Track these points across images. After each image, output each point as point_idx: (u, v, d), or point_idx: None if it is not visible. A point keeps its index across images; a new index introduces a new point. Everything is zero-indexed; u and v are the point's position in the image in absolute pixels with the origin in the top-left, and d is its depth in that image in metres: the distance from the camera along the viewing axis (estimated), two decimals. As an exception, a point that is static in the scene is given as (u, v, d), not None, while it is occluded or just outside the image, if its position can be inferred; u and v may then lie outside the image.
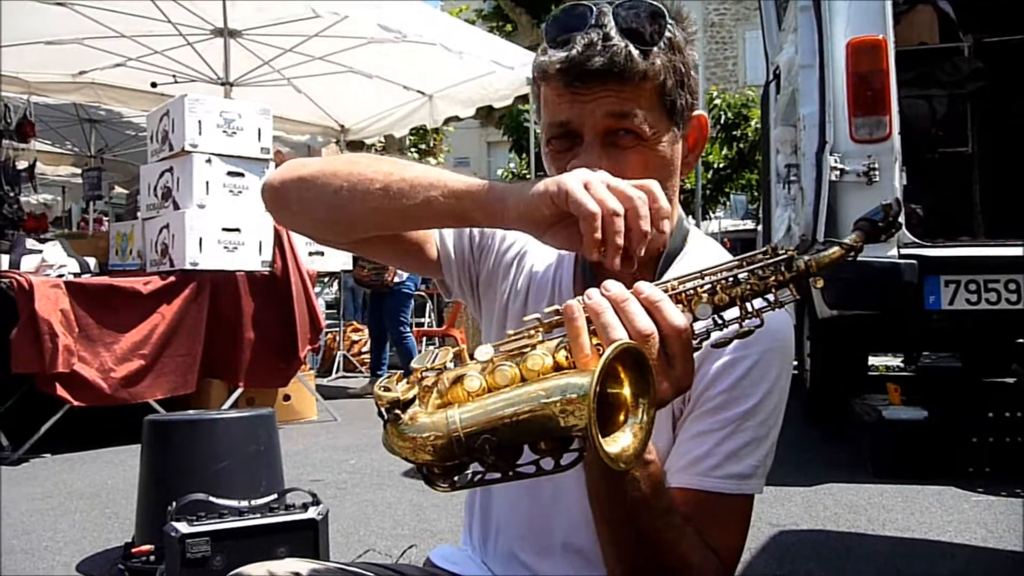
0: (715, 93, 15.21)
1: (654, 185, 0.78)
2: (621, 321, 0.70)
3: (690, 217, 13.41)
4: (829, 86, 3.30)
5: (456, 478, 0.71)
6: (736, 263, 0.77)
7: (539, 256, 1.06)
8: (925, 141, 3.82)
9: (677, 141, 0.94)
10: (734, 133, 14.78)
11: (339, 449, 4.27)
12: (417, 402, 0.71)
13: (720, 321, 0.76)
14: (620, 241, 0.74)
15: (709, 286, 0.75)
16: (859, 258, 2.82)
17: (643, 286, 0.73)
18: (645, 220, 0.75)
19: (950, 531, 2.67)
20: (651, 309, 0.71)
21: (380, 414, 0.71)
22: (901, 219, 0.81)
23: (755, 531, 2.61)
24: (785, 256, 0.76)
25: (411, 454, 0.70)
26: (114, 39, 5.86)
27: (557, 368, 0.70)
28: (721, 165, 14.85)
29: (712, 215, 15.86)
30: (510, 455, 0.68)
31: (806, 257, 0.77)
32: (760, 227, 5.04)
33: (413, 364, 0.74)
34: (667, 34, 0.90)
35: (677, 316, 0.72)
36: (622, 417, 0.68)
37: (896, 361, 7.13)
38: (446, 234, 1.09)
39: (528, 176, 7.69)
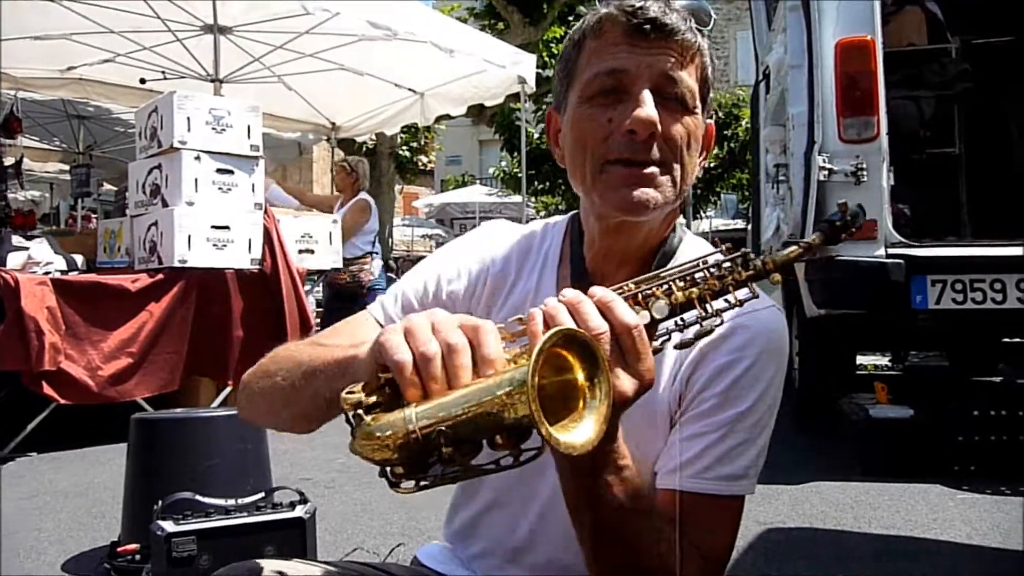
0: (707, 92, 15.24)
1: (486, 329, 0.71)
2: (575, 321, 0.71)
3: (680, 217, 13.45)
4: (818, 86, 3.33)
5: (418, 478, 0.71)
6: (693, 264, 0.78)
7: (516, 280, 1.05)
8: (913, 141, 3.84)
9: (702, 128, 0.95)
10: (725, 133, 14.83)
11: (328, 447, 4.26)
12: (380, 406, 0.71)
13: (681, 323, 0.77)
14: (435, 385, 0.69)
15: (666, 286, 0.76)
16: (847, 257, 2.88)
17: (596, 289, 0.73)
18: (464, 369, 0.69)
19: (935, 529, 2.69)
20: (603, 309, 0.72)
21: (346, 418, 0.72)
22: (877, 220, 0.85)
23: (743, 529, 2.61)
24: (740, 254, 0.78)
25: (373, 453, 0.70)
26: (103, 35, 5.82)
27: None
28: (712, 164, 14.90)
29: (703, 214, 15.91)
30: (468, 450, 0.68)
31: (764, 256, 0.78)
32: (750, 226, 5.06)
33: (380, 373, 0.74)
34: (711, 26, 0.94)
35: (628, 314, 0.72)
36: (580, 405, 0.68)
37: (884, 360, 7.18)
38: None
39: (519, 175, 7.67)
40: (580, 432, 0.66)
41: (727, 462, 0.90)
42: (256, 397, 0.98)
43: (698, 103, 0.92)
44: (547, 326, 0.70)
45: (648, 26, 0.87)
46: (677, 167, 0.91)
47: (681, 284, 0.76)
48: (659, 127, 0.88)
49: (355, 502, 3.15)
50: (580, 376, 0.69)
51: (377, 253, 6.25)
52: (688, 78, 0.90)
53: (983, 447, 3.31)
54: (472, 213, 18.82)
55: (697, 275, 0.77)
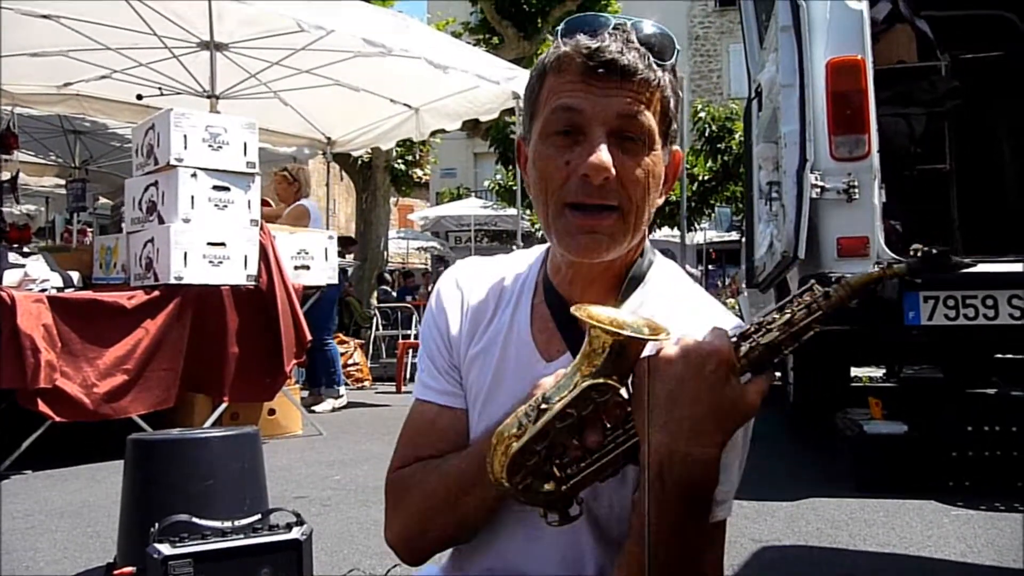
0: (699, 106, 15.33)
1: None
2: None
3: (675, 228, 13.45)
4: (809, 105, 3.36)
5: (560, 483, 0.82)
6: (782, 305, 0.86)
7: (491, 314, 1.06)
8: (904, 158, 3.88)
9: (664, 163, 0.95)
10: (718, 146, 14.90)
11: (324, 464, 4.26)
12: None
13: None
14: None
15: (769, 343, 0.84)
16: (838, 275, 2.89)
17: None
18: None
19: (930, 546, 2.70)
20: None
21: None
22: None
23: (738, 547, 2.63)
24: (823, 292, 0.85)
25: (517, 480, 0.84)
26: (100, 51, 5.85)
27: None
28: (706, 177, 14.96)
29: (697, 227, 15.96)
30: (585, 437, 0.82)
31: (840, 286, 0.85)
32: (744, 241, 5.09)
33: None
34: (673, 59, 0.93)
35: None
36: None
37: (879, 372, 7.20)
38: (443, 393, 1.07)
39: (514, 187, 7.70)
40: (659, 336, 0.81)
41: None
42: (432, 546, 1.04)
43: (658, 139, 0.92)
44: None
45: (604, 68, 0.88)
46: (633, 208, 0.91)
47: (780, 334, 0.84)
48: (612, 171, 0.88)
49: (351, 520, 3.15)
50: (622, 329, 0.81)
51: None
52: (646, 116, 0.90)
53: (978, 462, 3.32)
54: (467, 226, 18.84)
55: (788, 318, 0.84)
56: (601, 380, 0.79)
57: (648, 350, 0.81)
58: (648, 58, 0.89)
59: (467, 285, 1.09)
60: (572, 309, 0.81)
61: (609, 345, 0.79)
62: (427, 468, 1.01)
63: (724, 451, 0.91)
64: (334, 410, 6.29)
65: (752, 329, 0.83)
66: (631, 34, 0.90)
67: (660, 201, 0.98)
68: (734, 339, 0.82)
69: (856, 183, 3.35)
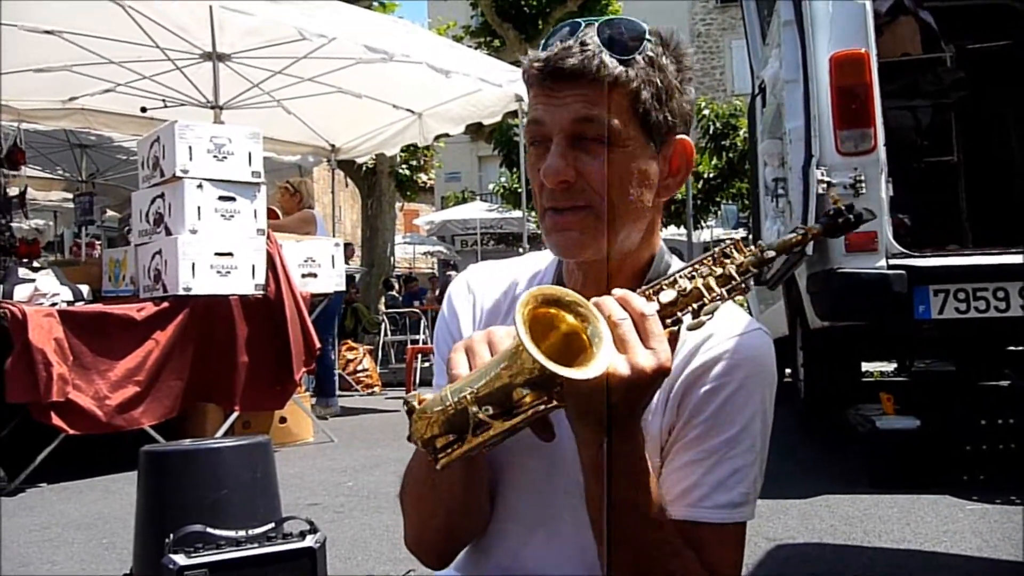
0: (703, 103, 15.30)
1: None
2: (600, 312, 0.79)
3: (681, 226, 13.44)
4: (814, 100, 3.35)
5: (456, 446, 0.80)
6: (697, 259, 0.88)
7: (504, 316, 1.07)
8: (910, 151, 3.86)
9: (653, 158, 0.94)
10: (723, 143, 14.86)
11: (336, 471, 4.27)
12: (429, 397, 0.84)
13: (694, 310, 0.84)
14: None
15: (671, 279, 0.86)
16: (849, 269, 2.88)
17: (616, 291, 0.83)
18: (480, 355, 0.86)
19: (946, 541, 2.68)
20: (621, 302, 0.81)
21: (407, 413, 0.83)
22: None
23: (752, 546, 2.62)
24: (735, 242, 0.87)
25: (424, 431, 0.80)
26: (103, 65, 5.88)
27: None
28: (711, 175, 14.92)
29: (704, 224, 15.92)
30: (497, 412, 0.78)
31: (761, 242, 0.87)
32: (751, 236, 5.08)
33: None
34: (648, 52, 0.91)
35: (643, 304, 0.81)
36: (584, 354, 0.77)
37: (890, 367, 7.16)
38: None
39: (519, 190, 7.71)
40: (586, 370, 0.74)
41: (724, 490, 0.91)
42: (440, 544, 1.05)
43: (627, 134, 0.91)
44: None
45: (552, 77, 0.90)
46: (603, 205, 0.91)
47: (687, 276, 0.86)
48: (565, 176, 0.90)
49: (364, 527, 3.15)
50: (580, 328, 0.78)
51: None
52: (604, 115, 0.89)
53: (992, 456, 3.30)
54: (473, 229, 18.86)
55: (700, 267, 0.86)
56: (526, 394, 0.77)
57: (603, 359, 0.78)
58: (601, 57, 0.88)
59: (479, 288, 1.10)
60: (520, 301, 0.77)
61: (535, 370, 0.75)
62: (411, 471, 1.03)
63: (742, 453, 0.92)
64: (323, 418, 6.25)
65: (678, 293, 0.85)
66: (589, 35, 0.89)
67: (654, 196, 0.96)
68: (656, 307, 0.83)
69: (863, 177, 3.34)
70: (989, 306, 3.29)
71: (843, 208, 0.88)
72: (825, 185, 3.32)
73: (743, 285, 0.86)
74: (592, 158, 0.90)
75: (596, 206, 0.91)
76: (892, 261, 3.33)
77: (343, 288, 5.54)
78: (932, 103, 4.01)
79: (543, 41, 0.94)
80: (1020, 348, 4.15)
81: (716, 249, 0.87)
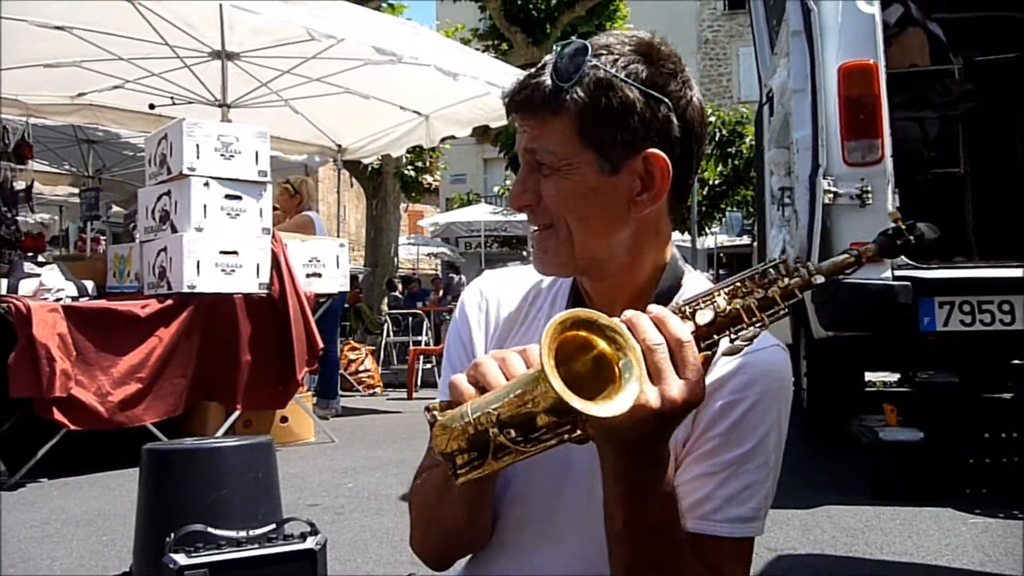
0: (710, 110, 15.29)
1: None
2: (633, 334, 0.75)
3: (686, 233, 13.44)
4: (821, 110, 3.35)
5: (476, 463, 0.78)
6: (739, 276, 0.82)
7: (520, 324, 1.08)
8: (917, 163, 3.85)
9: (611, 175, 0.93)
10: (729, 150, 14.87)
11: (337, 472, 4.27)
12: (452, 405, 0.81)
13: (731, 333, 0.80)
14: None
15: (710, 298, 0.80)
16: (854, 280, 2.87)
17: (653, 307, 0.78)
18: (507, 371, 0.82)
19: (947, 555, 2.68)
20: (658, 324, 0.77)
21: (429, 420, 0.82)
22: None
23: (753, 556, 2.61)
24: (782, 261, 0.80)
25: (444, 444, 0.78)
26: (112, 62, 5.90)
27: None
28: (716, 182, 14.93)
29: (708, 231, 15.92)
30: (519, 436, 0.75)
31: (810, 263, 0.79)
32: (756, 245, 5.08)
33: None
34: (591, 72, 0.90)
35: (681, 329, 0.77)
36: (612, 386, 0.73)
37: (894, 377, 7.14)
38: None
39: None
40: (610, 406, 0.71)
41: (736, 504, 0.91)
42: (442, 550, 1.06)
43: (567, 160, 0.92)
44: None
45: (508, 110, 0.96)
46: (563, 223, 0.95)
47: (727, 295, 0.80)
48: (525, 198, 0.96)
49: (365, 528, 3.15)
50: (613, 357, 0.74)
51: None
52: (547, 142, 0.93)
53: (995, 469, 3.29)
54: (477, 232, 18.87)
55: (743, 286, 0.80)
56: (549, 421, 0.73)
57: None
58: (543, 87, 0.91)
59: (492, 295, 1.10)
60: (551, 323, 0.73)
61: (557, 400, 0.70)
62: (423, 476, 1.03)
63: (755, 468, 0.92)
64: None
65: (715, 316, 0.79)
66: (549, 62, 0.93)
67: (636, 211, 0.95)
68: (692, 328, 0.78)
69: (869, 188, 3.34)
70: (994, 319, 3.29)
71: (903, 227, 0.81)
72: (832, 195, 3.32)
73: (786, 310, 0.80)
74: (545, 181, 0.95)
75: (556, 224, 0.95)
76: (898, 272, 3.33)
77: (347, 288, 5.53)
78: (939, 115, 4.00)
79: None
80: (1025, 362, 4.14)
81: (760, 267, 0.82)
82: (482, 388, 0.80)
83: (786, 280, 0.79)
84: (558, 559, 0.99)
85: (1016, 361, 4.12)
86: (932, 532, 2.91)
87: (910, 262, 3.36)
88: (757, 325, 0.79)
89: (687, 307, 0.80)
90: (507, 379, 0.78)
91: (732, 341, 0.80)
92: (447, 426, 0.78)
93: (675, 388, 0.74)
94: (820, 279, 0.79)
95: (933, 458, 3.33)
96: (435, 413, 0.81)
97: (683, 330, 0.76)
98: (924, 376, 6.64)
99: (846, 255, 0.79)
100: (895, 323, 3.30)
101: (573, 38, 0.97)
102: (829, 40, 3.43)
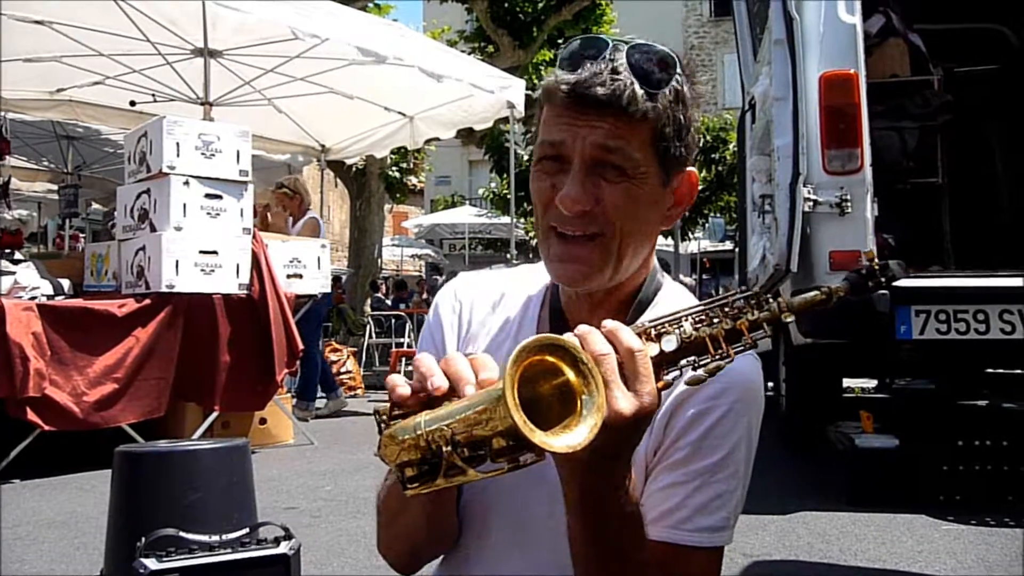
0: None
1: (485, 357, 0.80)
2: (582, 345, 0.74)
3: (669, 237, 13.49)
4: (802, 119, 3.36)
5: (426, 480, 0.75)
6: (708, 303, 0.79)
7: (492, 326, 1.07)
8: (896, 172, 3.88)
9: (664, 189, 0.95)
10: (712, 156, 14.96)
11: (315, 475, 4.24)
12: (405, 413, 0.78)
13: (695, 361, 0.78)
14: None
15: (678, 323, 0.78)
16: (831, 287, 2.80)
17: (607, 322, 0.76)
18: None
19: (920, 561, 2.70)
20: (609, 336, 0.75)
21: (377, 424, 0.79)
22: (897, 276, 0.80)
23: (728, 562, 2.61)
24: (754, 295, 0.78)
25: (395, 455, 0.76)
26: (93, 57, 5.84)
27: None
28: (700, 187, 15.01)
29: (691, 236, 15.99)
30: (471, 456, 0.72)
31: (780, 299, 0.77)
32: (737, 251, 5.10)
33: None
34: (674, 84, 0.91)
35: (632, 339, 0.75)
36: (574, 414, 0.71)
37: (871, 383, 7.20)
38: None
39: (508, 196, 7.72)
40: (568, 437, 0.68)
41: (707, 514, 0.91)
42: (409, 554, 1.05)
43: (646, 166, 0.91)
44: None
45: (581, 103, 0.88)
46: (616, 235, 0.92)
47: (693, 322, 0.78)
48: (584, 204, 0.89)
49: (341, 532, 3.13)
50: (576, 385, 0.71)
51: None
52: (629, 146, 0.89)
53: (968, 477, 3.33)
54: (461, 234, 18.85)
55: (711, 314, 0.78)
56: (505, 445, 0.71)
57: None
58: (631, 87, 0.88)
59: (466, 298, 1.09)
60: (519, 347, 0.69)
61: (508, 427, 0.67)
62: (387, 480, 1.02)
63: (726, 478, 0.92)
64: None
65: (682, 339, 0.77)
66: (619, 62, 0.88)
67: (663, 225, 0.98)
68: (655, 350, 0.77)
69: (849, 197, 3.36)
70: (969, 328, 3.32)
71: (876, 268, 0.81)
72: (811, 203, 3.34)
73: (752, 344, 0.78)
74: (611, 187, 0.90)
75: (607, 235, 0.91)
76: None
77: (328, 290, 5.51)
78: (919, 125, 4.04)
79: (563, 54, 0.92)
80: (999, 370, 4.19)
81: (731, 296, 0.80)
82: (426, 391, 0.77)
83: (755, 313, 0.77)
84: (529, 566, 0.98)
85: (990, 369, 4.17)
86: (905, 539, 2.94)
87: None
88: (722, 359, 0.77)
89: (652, 329, 0.78)
90: (475, 377, 0.76)
91: (695, 369, 0.78)
92: (397, 436, 0.75)
93: (621, 399, 0.72)
94: (790, 318, 0.77)
95: (908, 465, 3.36)
96: (384, 418, 0.78)
97: (633, 340, 0.75)
98: (901, 383, 6.71)
99: (817, 292, 0.78)
100: (872, 331, 3.33)
101: (634, 37, 0.92)
102: (811, 49, 3.45)
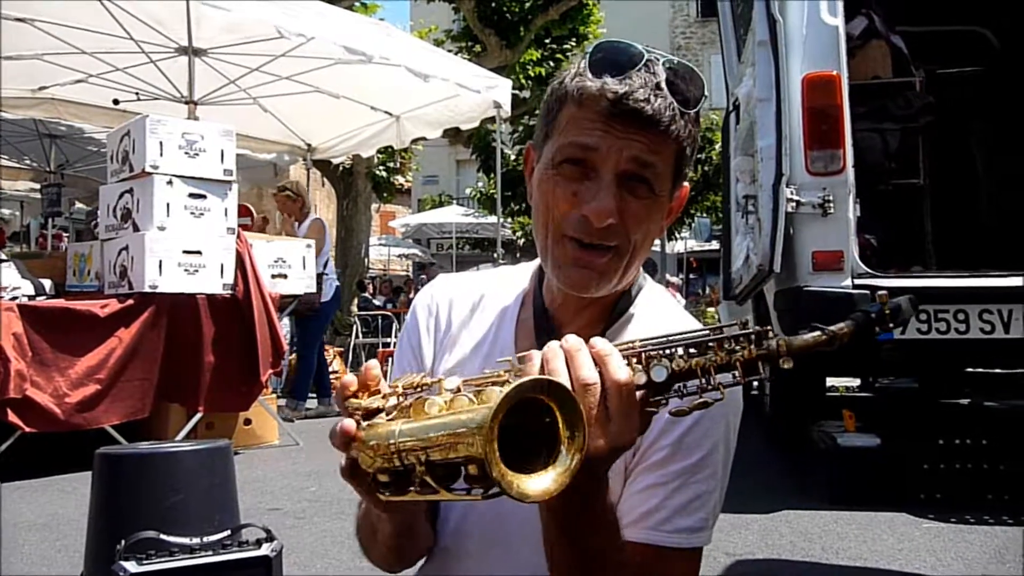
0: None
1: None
2: (568, 367, 0.72)
3: (656, 241, 13.58)
4: (785, 120, 3.38)
5: (397, 491, 0.74)
6: (706, 332, 0.75)
7: (471, 326, 1.07)
8: (878, 173, 3.91)
9: (669, 203, 0.96)
10: (699, 156, 14.99)
11: (300, 476, 4.22)
12: (383, 414, 0.76)
13: (682, 388, 0.74)
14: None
15: (671, 351, 0.74)
16: (815, 287, 2.87)
17: (597, 341, 0.73)
18: None
19: (900, 559, 2.72)
20: (599, 361, 0.72)
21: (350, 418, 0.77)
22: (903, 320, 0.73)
23: (711, 561, 2.64)
24: (755, 332, 0.73)
25: (367, 462, 0.74)
26: (76, 55, 5.79)
27: None
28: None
29: (678, 236, 16.05)
30: (444, 473, 0.70)
31: (780, 338, 0.72)
32: (722, 252, 5.12)
33: (394, 379, 0.79)
34: (699, 106, 0.92)
35: (622, 370, 0.72)
36: (552, 454, 0.68)
37: (855, 382, 7.25)
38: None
39: (495, 196, 7.71)
40: (540, 481, 0.66)
41: (686, 515, 0.92)
42: (390, 558, 1.04)
43: (667, 185, 0.92)
44: (543, 371, 0.72)
45: (626, 115, 0.87)
46: (630, 249, 0.93)
47: (687, 352, 0.74)
48: (616, 217, 0.89)
49: (325, 533, 3.12)
50: (560, 424, 0.68)
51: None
52: (660, 162, 0.90)
53: (949, 475, 3.36)
54: (448, 233, 18.83)
55: (706, 345, 0.74)
56: (479, 475, 0.68)
57: None
58: (673, 108, 0.88)
59: (444, 300, 1.10)
60: (513, 385, 0.66)
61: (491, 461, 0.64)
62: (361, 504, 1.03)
63: (705, 479, 0.93)
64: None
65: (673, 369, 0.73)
66: (661, 77, 0.88)
67: (658, 237, 1.01)
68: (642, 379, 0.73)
69: (831, 197, 3.38)
70: (950, 328, 3.35)
71: (887, 312, 0.74)
72: (794, 203, 3.37)
73: (745, 383, 0.74)
74: (636, 202, 0.90)
75: (622, 247, 0.92)
76: (857, 281, 3.37)
77: (313, 289, 5.49)
78: (900, 126, 4.07)
79: (600, 57, 0.89)
80: (979, 370, 4.23)
81: (730, 329, 0.74)
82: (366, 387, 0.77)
83: (752, 350, 0.72)
84: (509, 563, 0.98)
85: (970, 369, 4.21)
86: (886, 537, 2.96)
87: (870, 271, 3.42)
88: (712, 395, 0.73)
89: (643, 353, 0.74)
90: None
91: (682, 397, 0.75)
92: (369, 443, 0.74)
93: (600, 438, 0.71)
94: (788, 363, 0.71)
95: (889, 464, 3.39)
96: (359, 417, 0.76)
97: (622, 371, 0.72)
98: (885, 381, 6.76)
99: (819, 333, 0.72)
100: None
101: (671, 56, 0.90)
102: (794, 51, 3.47)
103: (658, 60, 0.89)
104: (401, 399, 0.79)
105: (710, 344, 0.74)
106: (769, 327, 0.73)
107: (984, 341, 3.32)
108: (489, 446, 0.63)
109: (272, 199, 7.29)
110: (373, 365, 0.81)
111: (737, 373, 0.73)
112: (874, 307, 0.74)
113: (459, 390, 0.75)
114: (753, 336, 0.72)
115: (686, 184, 1.00)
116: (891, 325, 0.74)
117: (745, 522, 3.12)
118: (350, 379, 0.81)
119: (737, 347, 0.72)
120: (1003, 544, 2.86)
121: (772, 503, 3.38)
